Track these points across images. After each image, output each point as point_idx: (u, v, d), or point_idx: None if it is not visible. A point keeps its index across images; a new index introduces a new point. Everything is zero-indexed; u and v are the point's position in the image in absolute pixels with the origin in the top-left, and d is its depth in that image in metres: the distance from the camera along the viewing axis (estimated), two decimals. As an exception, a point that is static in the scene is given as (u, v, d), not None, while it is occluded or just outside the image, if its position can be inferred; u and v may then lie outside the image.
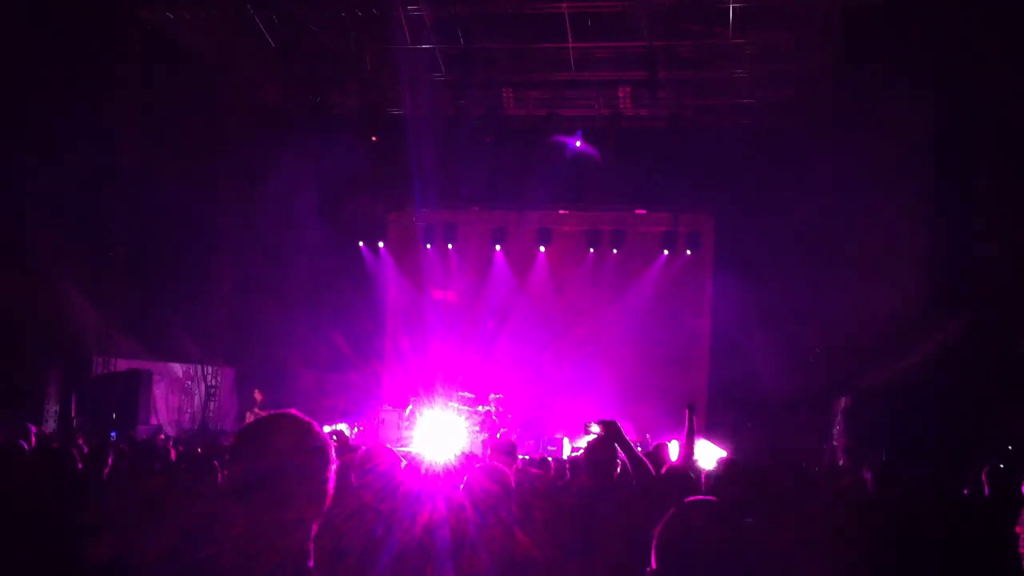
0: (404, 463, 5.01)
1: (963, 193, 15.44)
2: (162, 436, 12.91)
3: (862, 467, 9.16)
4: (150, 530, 4.95)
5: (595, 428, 5.45)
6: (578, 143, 18.73)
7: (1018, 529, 3.20)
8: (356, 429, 17.10)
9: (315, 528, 2.26)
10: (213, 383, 18.49)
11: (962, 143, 15.18)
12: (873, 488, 6.68)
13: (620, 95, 18.27)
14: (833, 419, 16.49)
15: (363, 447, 5.07)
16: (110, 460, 6.65)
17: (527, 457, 10.15)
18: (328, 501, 2.29)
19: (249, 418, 17.33)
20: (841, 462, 13.57)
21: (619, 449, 5.28)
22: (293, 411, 2.36)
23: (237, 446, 2.31)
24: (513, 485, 5.21)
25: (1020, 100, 13.84)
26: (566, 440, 17.02)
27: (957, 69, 14.55)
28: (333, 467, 2.33)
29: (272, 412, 2.38)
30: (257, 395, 17.73)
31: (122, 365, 16.39)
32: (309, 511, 2.25)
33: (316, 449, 2.30)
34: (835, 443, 16.03)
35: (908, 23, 14.71)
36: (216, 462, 5.92)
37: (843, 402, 16.20)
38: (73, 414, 15.14)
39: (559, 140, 18.80)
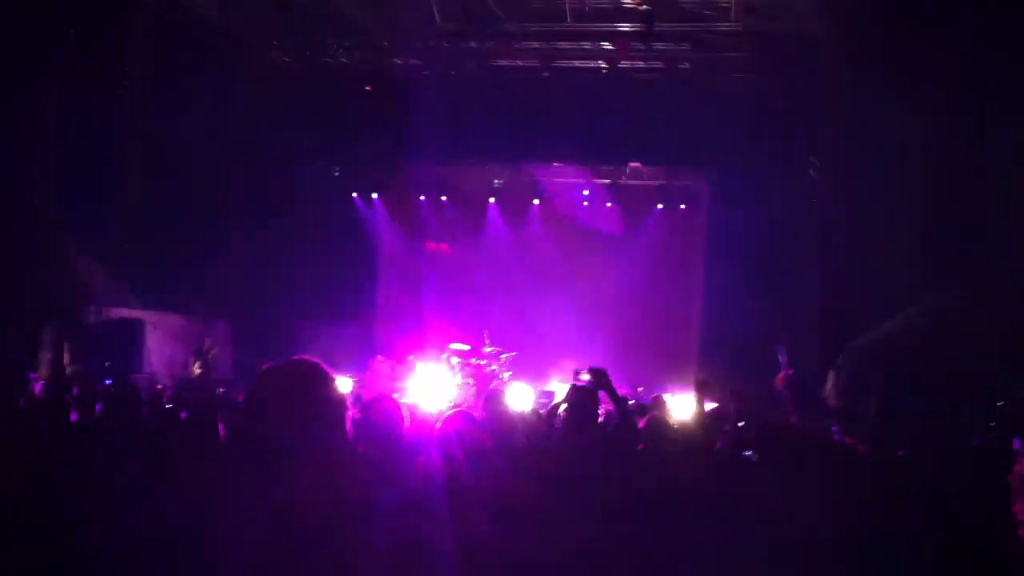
0: (406, 413, 5.05)
1: (967, 152, 15.43)
2: (159, 386, 12.94)
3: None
4: (149, 483, 5.00)
5: (584, 376, 5.51)
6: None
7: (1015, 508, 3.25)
8: (355, 380, 17.18)
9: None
10: (206, 333, 18.51)
11: (969, 102, 15.12)
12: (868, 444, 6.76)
13: (616, 47, 18.12)
14: (826, 375, 16.60)
15: (366, 398, 5.10)
16: (98, 407, 6.68)
17: (519, 408, 10.22)
18: (346, 444, 2.31)
19: (195, 367, 17.47)
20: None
21: (605, 397, 5.33)
22: (306, 358, 2.35)
23: (257, 400, 2.30)
24: (503, 434, 5.26)
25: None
26: (558, 391, 17.13)
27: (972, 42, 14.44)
28: (348, 412, 2.34)
29: (285, 361, 2.37)
30: (207, 343, 17.78)
31: (116, 314, 16.42)
32: (330, 465, 2.26)
33: (334, 394, 2.30)
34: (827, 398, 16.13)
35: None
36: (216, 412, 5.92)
37: (837, 359, 16.30)
38: (67, 362, 15.17)
39: None
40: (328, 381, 2.32)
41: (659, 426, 5.27)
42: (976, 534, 4.31)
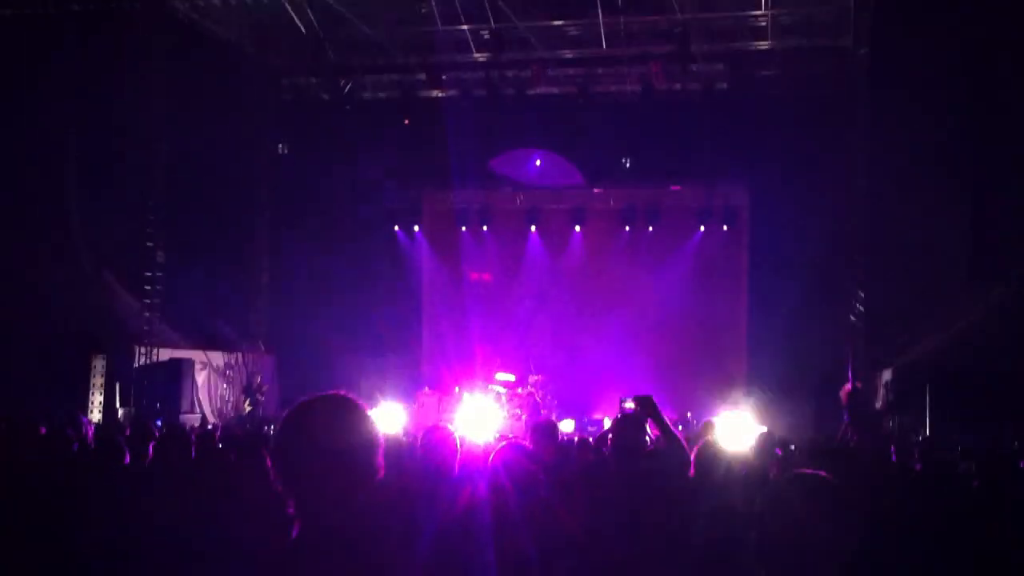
0: (458, 443, 5.06)
1: (1006, 162, 15.27)
2: (209, 426, 13.07)
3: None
4: (200, 517, 5.05)
5: (629, 404, 5.48)
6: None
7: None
8: (404, 410, 17.22)
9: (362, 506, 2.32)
10: (255, 370, 18.69)
11: (1005, 109, 14.97)
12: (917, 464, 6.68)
13: (653, 70, 18.11)
14: (876, 394, 16.39)
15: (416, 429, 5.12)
16: (151, 449, 6.75)
17: (568, 438, 10.18)
18: (376, 479, 2.35)
19: (245, 404, 17.64)
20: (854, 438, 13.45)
21: (652, 424, 5.28)
22: (340, 392, 2.41)
23: (285, 431, 2.36)
24: (552, 464, 5.24)
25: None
26: (606, 419, 17.05)
27: (996, 39, 14.33)
28: (381, 447, 2.38)
29: (319, 395, 2.43)
30: (256, 379, 17.93)
31: (164, 355, 16.62)
32: (359, 491, 2.31)
33: (365, 430, 2.35)
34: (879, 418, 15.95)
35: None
36: (263, 449, 5.98)
37: (886, 375, 16.09)
38: (118, 405, 15.37)
39: None
40: (357, 414, 2.37)
41: (712, 453, 5.21)
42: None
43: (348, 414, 2.36)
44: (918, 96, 15.56)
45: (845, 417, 14.11)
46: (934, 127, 15.57)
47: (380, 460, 2.38)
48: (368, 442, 2.36)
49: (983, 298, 15.04)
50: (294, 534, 2.27)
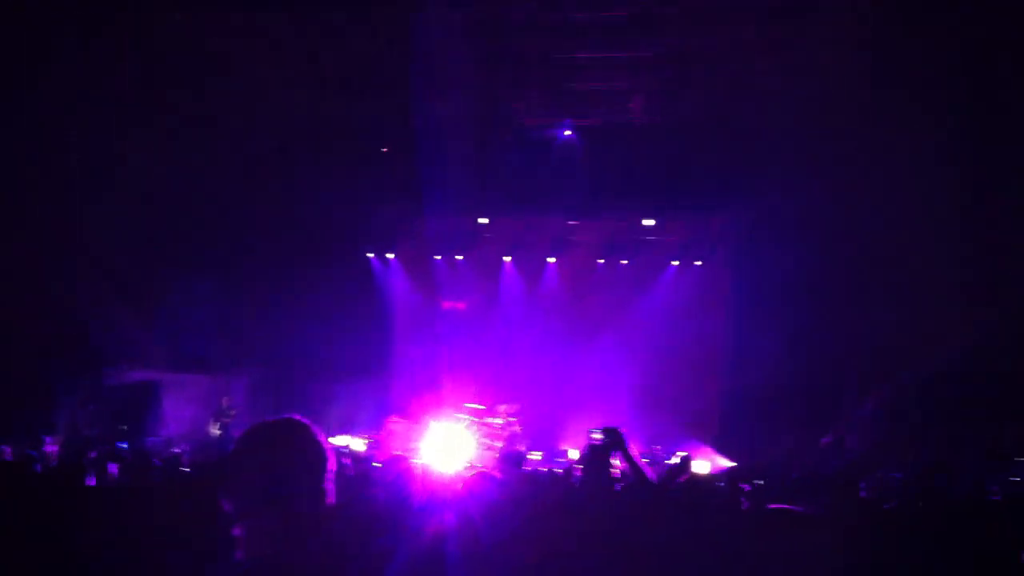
0: (419, 474, 5.04)
1: (995, 184, 15.29)
2: (176, 449, 12.92)
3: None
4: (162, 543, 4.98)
5: (597, 435, 5.47)
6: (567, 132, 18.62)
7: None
8: (368, 440, 17.10)
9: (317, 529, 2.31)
10: (225, 394, 18.54)
11: (994, 134, 15.01)
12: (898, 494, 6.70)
13: (632, 105, 18.13)
14: (854, 423, 16.45)
15: (382, 458, 5.10)
16: (116, 471, 6.68)
17: (536, 468, 10.17)
18: (327, 503, 2.33)
19: (214, 428, 17.53)
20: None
21: (620, 458, 5.28)
22: (292, 416, 2.41)
23: (234, 454, 2.36)
24: (522, 495, 5.21)
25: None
26: (573, 451, 17.03)
27: (984, 70, 14.40)
28: (332, 471, 2.37)
29: (271, 419, 2.43)
30: (224, 402, 17.81)
31: (133, 377, 16.48)
32: (303, 516, 2.29)
33: (312, 453, 2.34)
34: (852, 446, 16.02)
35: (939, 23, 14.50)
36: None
37: (868, 403, 16.15)
38: (83, 425, 15.20)
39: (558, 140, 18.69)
40: (304, 438, 2.36)
41: (699, 484, 5.25)
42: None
43: (295, 437, 2.36)
44: (909, 126, 15.60)
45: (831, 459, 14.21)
46: (925, 153, 15.58)
47: (329, 485, 2.36)
48: (313, 466, 2.34)
49: (971, 326, 15.08)
50: (240, 560, 2.26)
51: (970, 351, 14.66)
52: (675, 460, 12.74)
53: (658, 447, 17.20)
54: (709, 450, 16.91)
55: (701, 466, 14.99)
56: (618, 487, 5.58)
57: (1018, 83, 14.24)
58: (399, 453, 5.51)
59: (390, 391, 20.54)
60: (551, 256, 20.58)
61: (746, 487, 7.79)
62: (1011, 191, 14.84)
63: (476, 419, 17.78)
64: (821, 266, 17.02)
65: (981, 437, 12.87)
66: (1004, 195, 14.97)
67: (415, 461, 5.12)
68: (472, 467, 7.95)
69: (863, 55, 14.64)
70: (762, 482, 9.33)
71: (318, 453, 2.37)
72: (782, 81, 16.23)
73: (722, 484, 7.73)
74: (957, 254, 15.16)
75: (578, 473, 6.04)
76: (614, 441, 5.40)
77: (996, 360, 14.43)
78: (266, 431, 2.39)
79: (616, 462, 5.46)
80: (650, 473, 5.51)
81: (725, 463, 15.10)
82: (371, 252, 21.19)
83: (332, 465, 2.40)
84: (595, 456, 5.32)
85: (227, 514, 2.32)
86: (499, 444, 17.21)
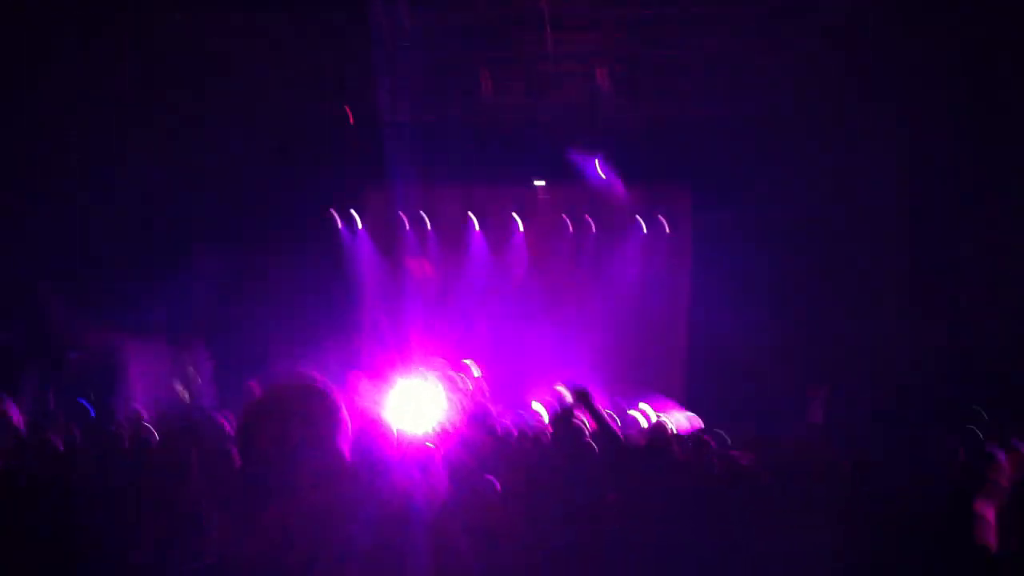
0: (387, 432, 5.06)
1: (946, 186, 15.55)
2: (142, 415, 12.87)
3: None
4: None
5: (567, 394, 5.52)
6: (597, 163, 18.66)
7: (981, 509, 3.30)
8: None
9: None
10: (191, 361, 18.45)
11: (944, 138, 15.25)
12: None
13: (600, 83, 17.97)
14: (810, 401, 16.67)
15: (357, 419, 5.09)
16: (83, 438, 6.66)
17: (503, 428, 10.22)
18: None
19: (181, 393, 17.44)
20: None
21: (588, 415, 5.33)
22: (302, 372, 2.30)
23: (247, 424, 2.27)
24: (489, 454, 5.26)
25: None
26: (542, 411, 17.11)
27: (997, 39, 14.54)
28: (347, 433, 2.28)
29: (277, 382, 2.30)
30: (191, 369, 17.73)
31: (95, 346, 16.35)
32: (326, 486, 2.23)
33: (337, 415, 2.25)
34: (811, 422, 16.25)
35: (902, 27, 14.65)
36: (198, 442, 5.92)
37: (822, 388, 16.37)
38: (50, 397, 15.10)
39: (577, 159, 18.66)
40: (324, 398, 2.27)
41: (666, 437, 5.34)
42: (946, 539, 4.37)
43: (313, 397, 2.27)
44: (866, 124, 15.80)
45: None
46: (881, 150, 15.83)
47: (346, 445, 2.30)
48: (335, 425, 2.27)
49: (924, 322, 15.36)
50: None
51: (921, 351, 14.96)
52: (640, 415, 12.91)
53: (623, 403, 17.34)
54: (674, 405, 17.06)
55: (677, 420, 15.18)
56: (588, 444, 5.64)
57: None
58: (366, 412, 5.51)
59: (356, 352, 20.51)
60: (519, 219, 20.55)
61: (712, 443, 7.91)
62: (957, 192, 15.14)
63: (443, 378, 17.81)
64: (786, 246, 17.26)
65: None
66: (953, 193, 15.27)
67: (383, 420, 5.14)
68: (440, 425, 8.00)
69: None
70: (727, 438, 9.47)
71: (334, 409, 2.29)
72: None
73: (688, 441, 7.85)
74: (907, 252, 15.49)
75: (549, 430, 6.11)
76: (584, 400, 5.45)
77: (949, 360, 14.73)
78: (275, 396, 2.30)
79: (584, 420, 5.51)
80: (618, 430, 5.58)
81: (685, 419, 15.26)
82: (338, 215, 20.99)
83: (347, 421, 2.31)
84: (565, 414, 5.37)
85: (197, 478, 2.31)
86: (465, 403, 17.28)
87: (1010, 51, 13.87)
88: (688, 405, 16.74)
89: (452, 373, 17.92)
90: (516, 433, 8.90)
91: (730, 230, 17.70)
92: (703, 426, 11.42)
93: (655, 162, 18.42)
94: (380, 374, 17.70)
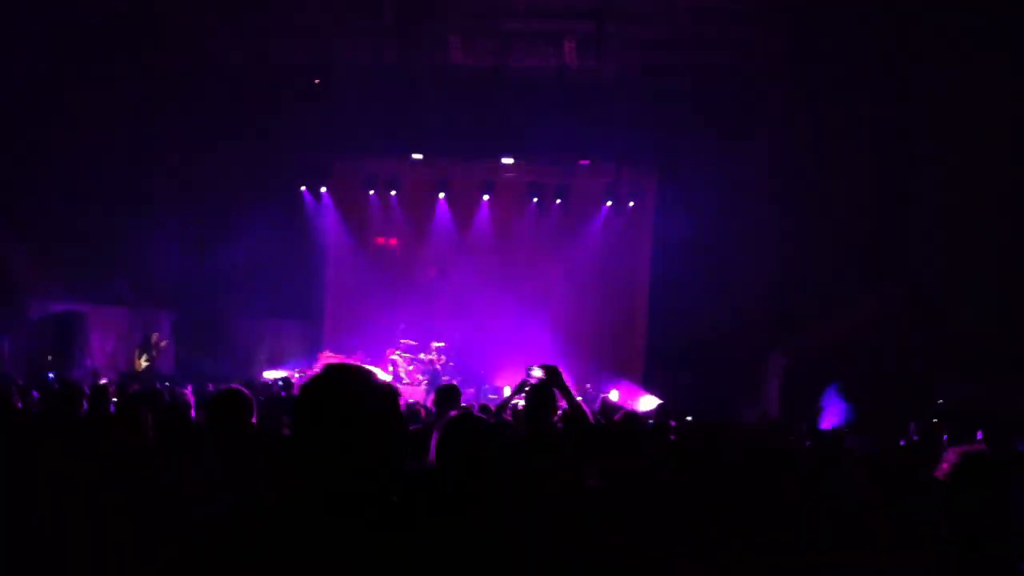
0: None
1: (901, 161, 15.76)
2: (102, 380, 12.75)
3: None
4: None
5: (537, 372, 5.48)
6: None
7: (937, 474, 3.33)
8: (298, 375, 16.99)
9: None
10: (151, 328, 18.28)
11: (900, 114, 15.46)
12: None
13: (567, 48, 17.98)
14: (768, 377, 16.80)
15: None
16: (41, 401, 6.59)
17: (470, 405, 10.21)
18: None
19: (140, 360, 17.29)
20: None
21: (559, 395, 5.31)
22: (345, 363, 2.21)
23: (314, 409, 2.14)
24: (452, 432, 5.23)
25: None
26: (507, 388, 17.15)
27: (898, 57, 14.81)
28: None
29: (334, 365, 2.21)
30: (153, 337, 17.60)
31: (57, 308, 16.17)
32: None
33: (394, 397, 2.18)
34: (768, 400, 16.40)
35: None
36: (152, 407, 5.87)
37: (779, 361, 16.49)
38: (6, 356, 14.94)
39: None
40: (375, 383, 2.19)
41: (636, 422, 5.35)
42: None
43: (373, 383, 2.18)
44: (825, 97, 15.96)
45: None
46: (838, 125, 15.99)
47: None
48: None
49: (878, 291, 15.51)
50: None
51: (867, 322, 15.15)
52: (612, 396, 12.96)
53: (588, 386, 17.44)
54: (636, 388, 17.19)
55: (645, 403, 15.30)
56: (559, 425, 5.62)
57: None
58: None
59: (321, 327, 20.42)
60: (484, 195, 20.46)
61: (672, 423, 7.96)
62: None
63: (409, 355, 17.84)
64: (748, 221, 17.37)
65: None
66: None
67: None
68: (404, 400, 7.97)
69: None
70: (689, 418, 9.55)
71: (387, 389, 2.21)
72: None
73: (651, 421, 7.90)
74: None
75: (519, 410, 6.09)
76: (554, 379, 5.43)
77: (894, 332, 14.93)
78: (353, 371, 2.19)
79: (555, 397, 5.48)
80: (588, 412, 5.57)
81: (651, 401, 15.36)
82: (303, 186, 20.69)
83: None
84: (540, 393, 5.32)
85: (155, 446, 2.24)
86: (426, 378, 17.33)
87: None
88: (647, 380, 16.90)
89: (415, 349, 17.97)
90: (480, 408, 8.90)
91: (691, 213, 17.71)
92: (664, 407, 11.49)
93: (622, 141, 18.36)
94: (345, 350, 17.67)
